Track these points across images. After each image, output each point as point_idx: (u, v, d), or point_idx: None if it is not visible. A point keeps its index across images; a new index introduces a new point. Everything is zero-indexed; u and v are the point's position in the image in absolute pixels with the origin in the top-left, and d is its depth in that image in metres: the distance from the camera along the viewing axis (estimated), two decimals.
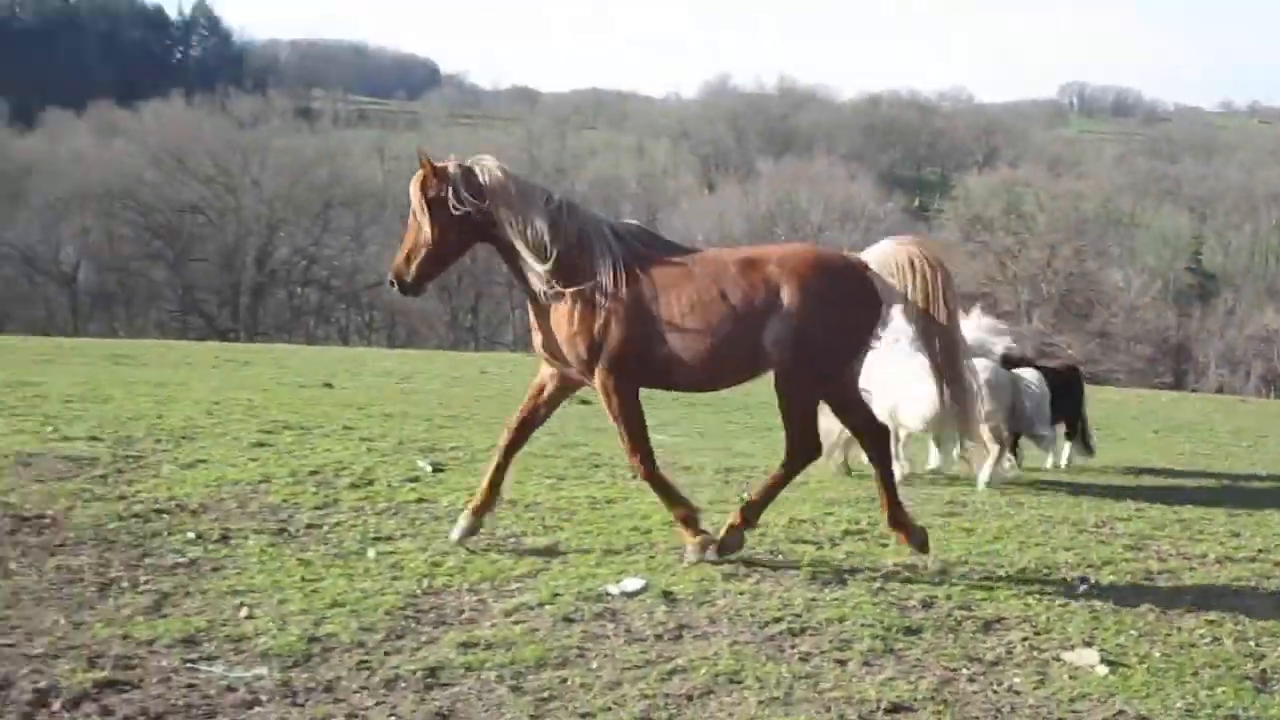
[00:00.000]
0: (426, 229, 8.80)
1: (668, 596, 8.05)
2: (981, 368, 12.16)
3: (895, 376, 12.55)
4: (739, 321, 8.64)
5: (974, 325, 13.60)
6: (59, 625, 7.18)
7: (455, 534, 9.18)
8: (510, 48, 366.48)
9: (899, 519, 9.12)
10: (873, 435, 9.26)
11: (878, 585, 8.54)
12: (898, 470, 12.03)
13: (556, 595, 8.00)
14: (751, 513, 9.17)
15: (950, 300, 9.01)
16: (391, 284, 9.09)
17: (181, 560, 8.58)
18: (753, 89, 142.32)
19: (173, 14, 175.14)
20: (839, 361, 8.99)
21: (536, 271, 8.83)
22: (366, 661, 6.73)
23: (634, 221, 9.64)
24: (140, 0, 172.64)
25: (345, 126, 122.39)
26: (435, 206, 8.77)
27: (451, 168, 8.89)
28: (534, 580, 8.37)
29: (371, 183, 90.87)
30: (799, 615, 7.73)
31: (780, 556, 9.25)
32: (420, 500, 10.56)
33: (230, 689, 6.27)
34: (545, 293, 8.86)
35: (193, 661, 6.65)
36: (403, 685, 6.43)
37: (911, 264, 8.94)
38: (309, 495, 10.49)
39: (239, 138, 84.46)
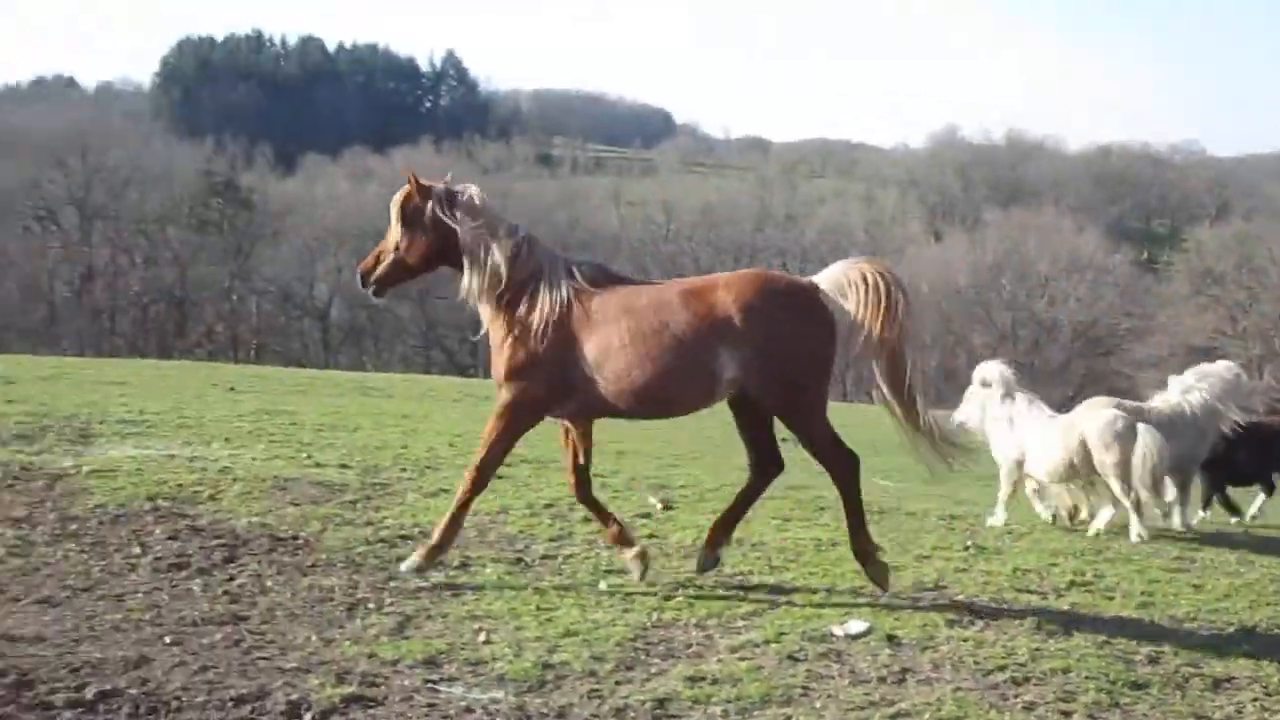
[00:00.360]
0: (398, 238, 9.35)
1: (891, 640, 8.09)
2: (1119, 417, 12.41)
3: (1025, 429, 12.77)
4: (683, 350, 8.80)
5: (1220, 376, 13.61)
6: (310, 641, 7.60)
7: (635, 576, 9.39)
8: (742, 98, 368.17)
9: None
10: (837, 466, 9.28)
11: (1103, 638, 8.42)
12: (998, 519, 12.64)
13: (782, 634, 8.11)
14: (861, 542, 9.24)
15: (903, 317, 8.92)
16: (358, 277, 9.57)
17: (424, 584, 8.97)
18: (980, 140, 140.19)
19: (424, 66, 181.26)
20: (811, 376, 9.06)
21: (481, 294, 9.23)
22: (597, 690, 6.95)
23: (588, 258, 9.82)
24: (394, 53, 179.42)
25: (583, 173, 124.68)
26: (411, 219, 9.34)
27: (438, 186, 9.38)
28: (760, 619, 8.50)
29: (608, 227, 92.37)
30: (1023, 665, 7.68)
31: (1005, 605, 9.19)
32: (651, 536, 10.77)
33: (468, 710, 6.55)
34: (486, 317, 9.31)
35: (434, 682, 6.98)
36: (632, 715, 6.62)
37: (864, 279, 8.93)
38: (544, 527, 10.83)
39: (483, 183, 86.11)
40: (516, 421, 9.19)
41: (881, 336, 8.88)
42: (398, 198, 9.43)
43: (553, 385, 9.05)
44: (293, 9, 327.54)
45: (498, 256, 9.13)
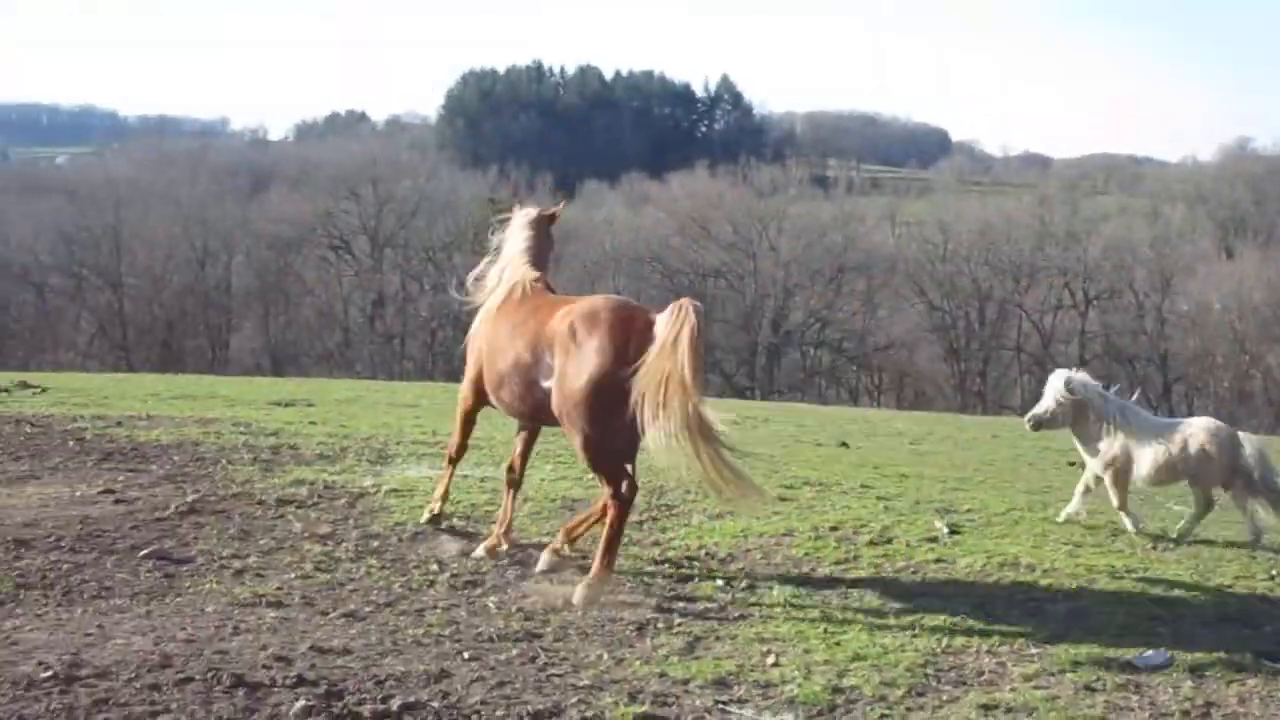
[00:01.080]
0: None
1: (1194, 672, 7.78)
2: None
3: (1131, 435, 12.46)
4: (521, 363, 9.73)
5: None
6: (602, 659, 7.74)
7: None
8: (1021, 114, 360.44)
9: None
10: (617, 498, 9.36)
11: None
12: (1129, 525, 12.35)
13: (1077, 663, 7.89)
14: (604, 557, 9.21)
15: (688, 346, 8.72)
16: None
17: (711, 605, 9.03)
18: (1274, 152, 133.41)
19: (699, 90, 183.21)
20: (590, 404, 9.08)
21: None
22: (888, 716, 6.90)
23: (537, 274, 10.65)
24: (669, 79, 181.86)
25: (858, 194, 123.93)
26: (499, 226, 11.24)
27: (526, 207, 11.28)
28: (1054, 646, 8.27)
29: (884, 248, 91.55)
30: None
31: None
32: (938, 560, 10.60)
33: None
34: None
35: (724, 703, 7.01)
36: None
37: (678, 310, 8.93)
38: (830, 550, 10.76)
39: (758, 206, 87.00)
40: (469, 407, 10.98)
41: (668, 360, 8.78)
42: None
43: (479, 377, 10.56)
44: (572, 39, 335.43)
45: (483, 267, 11.22)
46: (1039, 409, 12.70)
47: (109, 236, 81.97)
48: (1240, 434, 12.45)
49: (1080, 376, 12.61)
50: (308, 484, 12.63)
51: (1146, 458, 12.34)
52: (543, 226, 11.08)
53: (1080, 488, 12.85)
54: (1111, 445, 12.47)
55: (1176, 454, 12.23)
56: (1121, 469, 12.47)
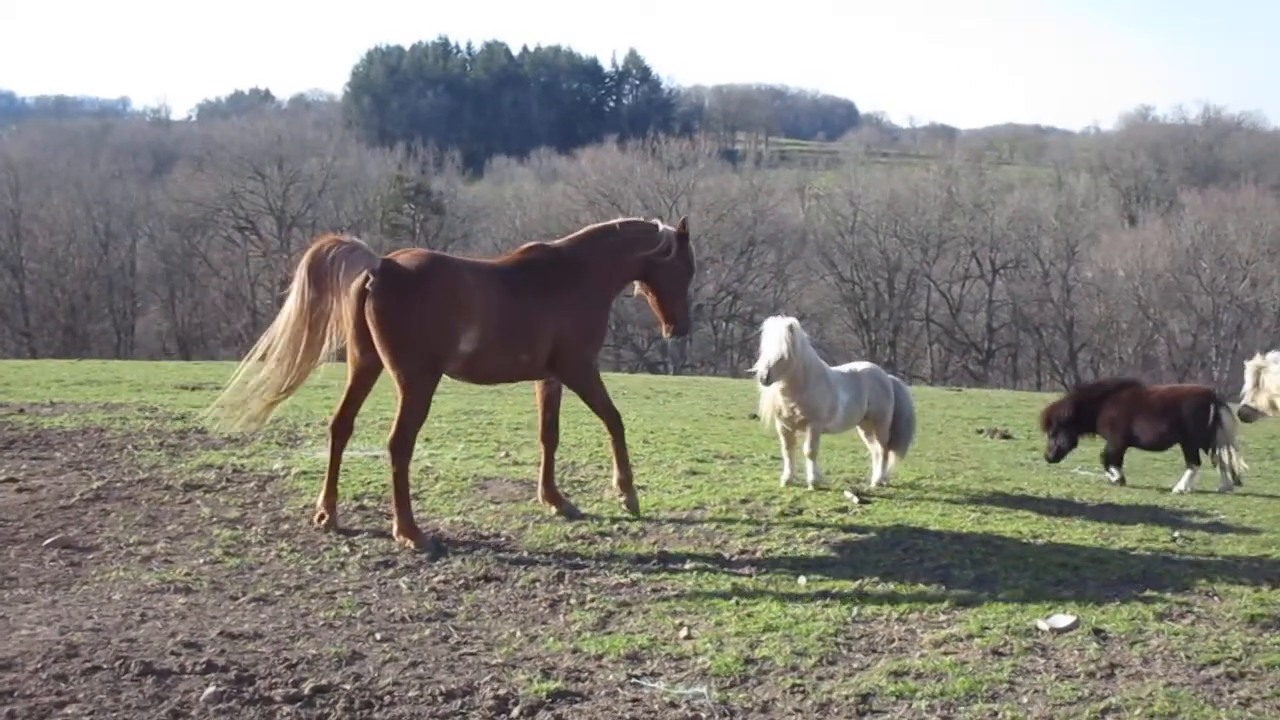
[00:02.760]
0: None
1: (1099, 634, 7.92)
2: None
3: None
4: None
5: None
6: (515, 637, 7.74)
7: None
8: (927, 86, 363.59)
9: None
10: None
11: None
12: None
13: (985, 629, 8.00)
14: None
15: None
16: None
17: (624, 581, 9.06)
18: (1175, 120, 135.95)
19: (607, 65, 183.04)
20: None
21: None
22: (800, 685, 6.95)
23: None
24: (577, 54, 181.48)
25: (767, 167, 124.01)
26: None
27: None
28: (962, 613, 8.40)
29: (793, 221, 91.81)
30: (1237, 659, 7.44)
31: (1216, 598, 8.90)
32: (848, 530, 10.71)
33: (672, 705, 6.60)
34: None
35: (637, 677, 7.04)
36: (835, 710, 6.60)
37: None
38: (741, 522, 10.83)
39: (667, 180, 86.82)
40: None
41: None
42: None
43: None
44: (478, 15, 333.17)
45: None
46: (772, 358, 12.07)
47: (7, 220, 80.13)
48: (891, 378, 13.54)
49: (798, 325, 12.49)
50: (216, 468, 12.50)
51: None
52: None
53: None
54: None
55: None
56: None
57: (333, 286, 9.58)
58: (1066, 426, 15.86)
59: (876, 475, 13.15)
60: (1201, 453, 15.30)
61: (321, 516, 10.32)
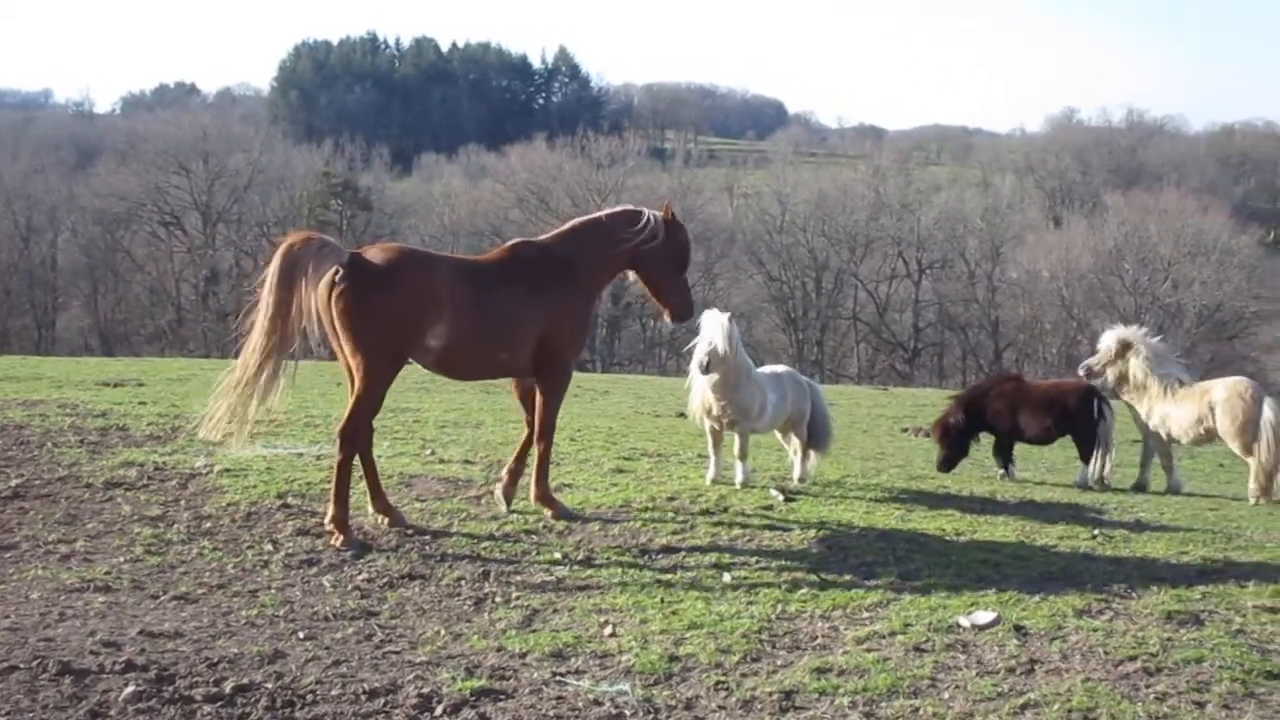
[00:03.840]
0: None
1: (1019, 630, 8.01)
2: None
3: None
4: None
5: None
6: (440, 635, 7.73)
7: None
8: (856, 87, 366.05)
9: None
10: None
11: (1236, 627, 8.24)
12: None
13: (908, 625, 8.07)
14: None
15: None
16: None
17: (549, 579, 9.05)
18: (1099, 123, 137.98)
19: (536, 62, 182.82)
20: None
21: None
22: (724, 682, 6.97)
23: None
24: (507, 51, 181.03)
25: (696, 165, 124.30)
26: None
27: None
28: (886, 610, 8.47)
29: (722, 219, 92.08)
30: (1154, 654, 7.53)
31: (1135, 595, 9.02)
32: (773, 528, 10.75)
33: (596, 703, 6.60)
34: None
35: (561, 675, 7.04)
36: (759, 707, 6.63)
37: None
38: (667, 520, 10.85)
39: (596, 178, 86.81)
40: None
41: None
42: None
43: None
44: (407, 11, 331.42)
45: None
46: (718, 346, 12.04)
47: None
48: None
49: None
50: (137, 465, 12.34)
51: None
52: None
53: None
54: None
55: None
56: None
57: (303, 282, 9.53)
58: (960, 432, 15.96)
59: (798, 473, 13.24)
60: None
61: (384, 520, 10.37)
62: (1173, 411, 15.14)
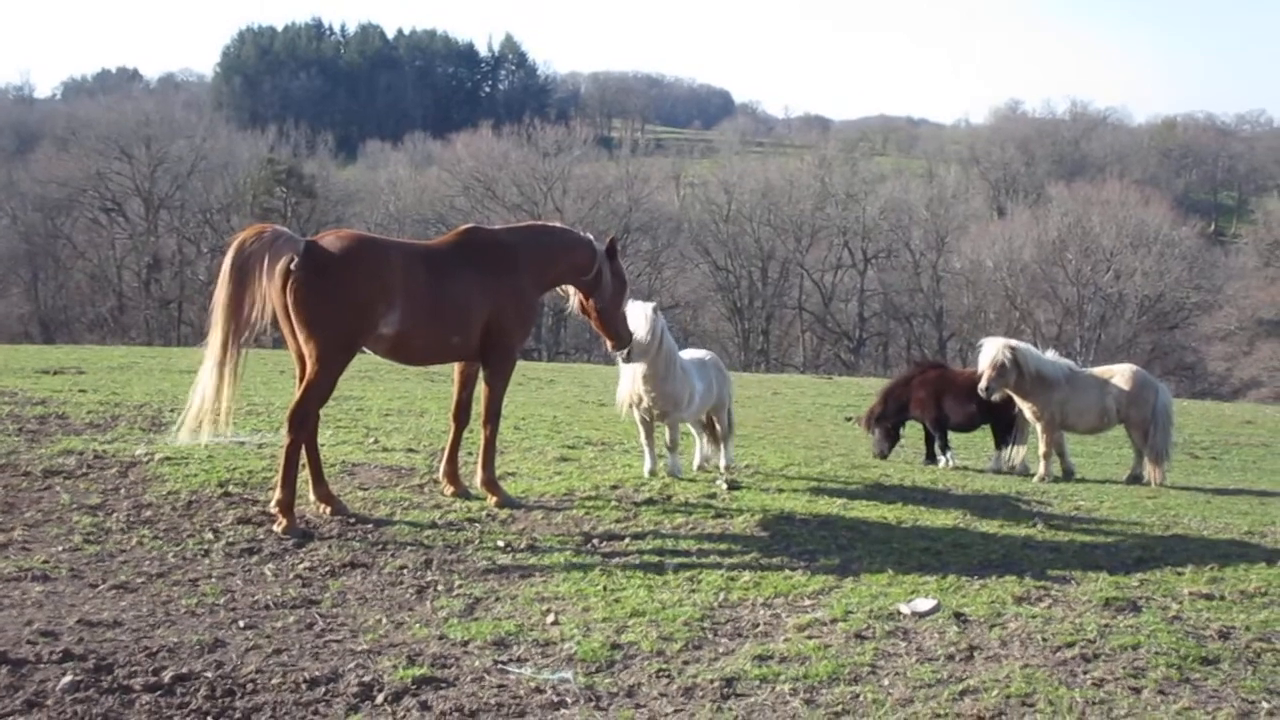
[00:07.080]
0: None
1: (959, 618, 8.08)
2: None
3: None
4: None
5: None
6: (381, 624, 7.69)
7: None
8: (802, 77, 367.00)
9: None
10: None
11: (1173, 614, 8.36)
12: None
13: (849, 613, 8.12)
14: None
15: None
16: None
17: (491, 567, 9.05)
18: (1043, 114, 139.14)
19: (483, 50, 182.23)
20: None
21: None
22: (666, 669, 6.99)
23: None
24: (453, 38, 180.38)
25: (643, 155, 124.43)
26: None
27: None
28: (827, 597, 8.52)
29: (668, 209, 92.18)
30: (1091, 641, 7.62)
31: (1073, 582, 9.13)
32: (716, 516, 10.80)
33: (538, 690, 6.60)
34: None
35: (503, 663, 7.03)
36: (700, 694, 6.64)
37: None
38: (610, 509, 10.87)
39: (542, 166, 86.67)
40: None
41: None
42: None
43: None
44: None
45: None
46: (642, 337, 12.18)
47: None
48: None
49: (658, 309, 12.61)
50: (76, 454, 12.23)
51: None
52: None
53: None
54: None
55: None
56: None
57: (259, 276, 9.52)
58: (886, 420, 16.17)
59: (725, 460, 13.26)
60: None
61: (326, 508, 10.42)
62: (1072, 399, 15.25)
